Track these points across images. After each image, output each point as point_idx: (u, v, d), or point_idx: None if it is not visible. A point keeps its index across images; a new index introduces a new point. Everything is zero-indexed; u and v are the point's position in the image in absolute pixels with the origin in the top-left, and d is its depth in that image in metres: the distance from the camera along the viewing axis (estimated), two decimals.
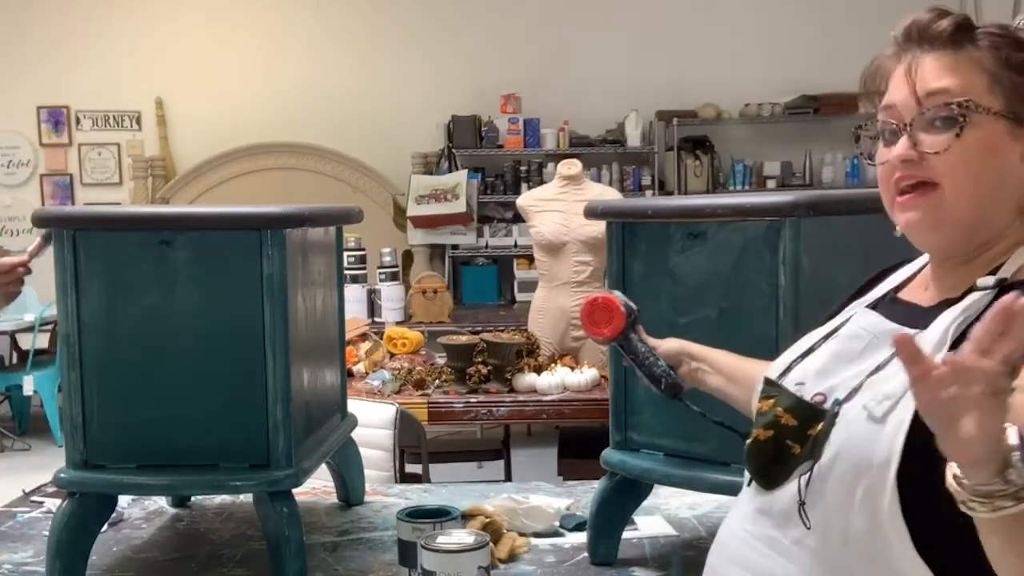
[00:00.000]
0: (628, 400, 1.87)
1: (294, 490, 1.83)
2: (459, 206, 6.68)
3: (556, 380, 3.62)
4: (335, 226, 2.20)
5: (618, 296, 1.54)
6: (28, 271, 1.92)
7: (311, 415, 1.98)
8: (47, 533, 1.85)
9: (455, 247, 6.98)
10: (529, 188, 6.20)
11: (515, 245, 6.96)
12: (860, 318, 1.15)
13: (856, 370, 1.06)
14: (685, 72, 7.14)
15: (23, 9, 7.31)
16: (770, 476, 1.11)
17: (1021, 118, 1.01)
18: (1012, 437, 0.76)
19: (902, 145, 1.03)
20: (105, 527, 1.99)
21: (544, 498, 2.13)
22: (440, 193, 6.74)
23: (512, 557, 1.89)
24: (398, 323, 5.17)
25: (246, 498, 2.26)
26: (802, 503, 1.03)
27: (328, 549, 2.01)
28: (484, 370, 3.58)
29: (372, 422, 3.02)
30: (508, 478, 4.41)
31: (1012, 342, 0.74)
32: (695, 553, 1.94)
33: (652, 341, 1.53)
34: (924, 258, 1.16)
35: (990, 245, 1.05)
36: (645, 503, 2.01)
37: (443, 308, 5.54)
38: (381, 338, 4.24)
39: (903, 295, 1.17)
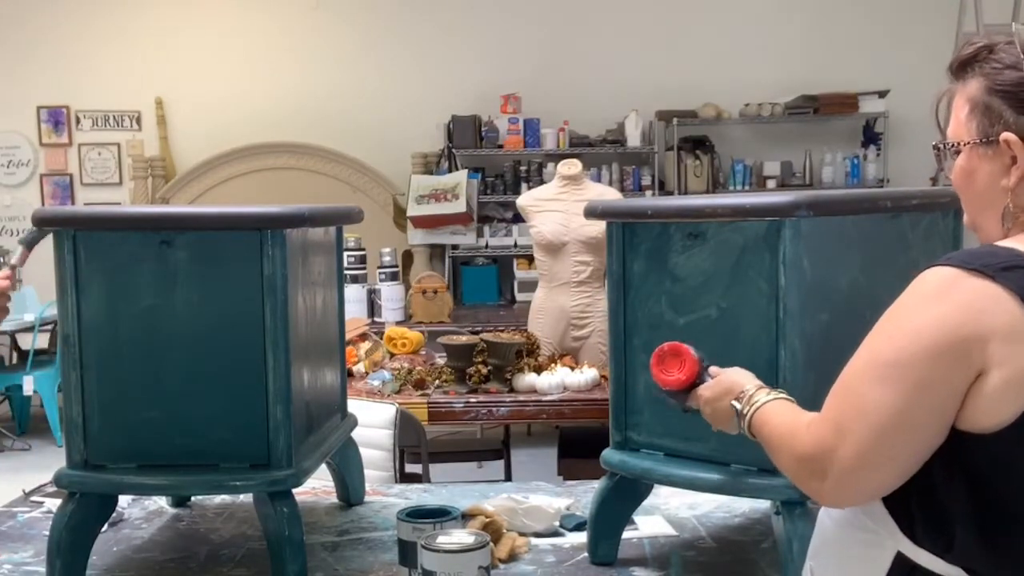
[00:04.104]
0: (628, 400, 1.87)
1: (294, 490, 1.83)
2: (459, 206, 6.68)
3: (556, 380, 3.62)
4: (335, 226, 2.20)
5: (687, 346, 1.51)
6: (14, 286, 1.85)
7: (311, 415, 1.98)
8: (47, 533, 1.85)
9: (455, 247, 6.97)
10: (529, 188, 6.20)
11: (515, 245, 6.95)
12: None
13: None
14: (685, 72, 7.14)
15: (23, 9, 7.30)
16: None
17: (991, 139, 1.12)
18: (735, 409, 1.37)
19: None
20: (105, 527, 1.99)
21: (544, 498, 2.13)
22: (440, 193, 6.74)
23: (512, 557, 1.89)
24: (398, 323, 5.17)
25: (246, 498, 2.26)
26: None
27: (328, 549, 2.01)
28: (484, 370, 3.58)
29: (372, 422, 3.02)
30: (508, 478, 4.40)
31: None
32: (695, 553, 1.94)
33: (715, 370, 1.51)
34: None
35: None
36: (645, 503, 2.01)
37: (443, 308, 5.54)
38: (381, 338, 4.23)
39: None
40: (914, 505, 1.09)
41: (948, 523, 1.06)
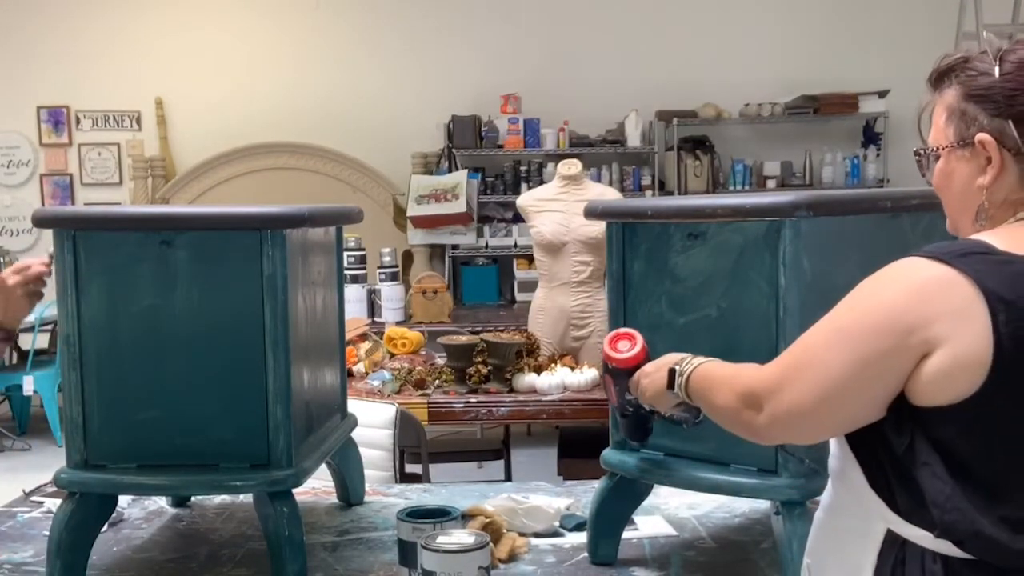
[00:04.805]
0: None
1: (294, 490, 1.83)
2: (459, 206, 6.68)
3: (556, 380, 3.61)
4: (335, 226, 2.20)
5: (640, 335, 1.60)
6: (50, 273, 1.89)
7: (311, 415, 1.98)
8: (47, 533, 1.85)
9: (455, 247, 6.97)
10: (529, 188, 6.20)
11: (515, 245, 6.95)
12: None
13: None
14: (685, 72, 7.13)
15: (24, 9, 7.30)
16: None
17: (968, 142, 1.19)
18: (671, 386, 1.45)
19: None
20: (105, 527, 1.99)
21: (544, 498, 2.13)
22: (440, 193, 6.73)
23: (512, 557, 1.89)
24: (398, 323, 5.17)
25: (246, 498, 2.26)
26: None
27: (328, 549, 2.01)
28: (484, 370, 3.58)
29: (372, 422, 3.02)
30: (508, 478, 4.40)
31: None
32: (695, 553, 1.94)
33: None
34: None
35: None
36: (645, 503, 2.01)
37: (443, 308, 5.54)
38: (381, 338, 4.23)
39: None
40: (894, 481, 1.14)
41: (925, 496, 1.10)
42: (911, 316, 1.09)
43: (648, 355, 1.57)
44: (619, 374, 1.59)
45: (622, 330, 1.62)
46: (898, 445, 1.13)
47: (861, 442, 1.18)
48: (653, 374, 1.50)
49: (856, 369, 1.12)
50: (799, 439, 1.26)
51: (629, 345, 1.58)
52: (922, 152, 1.27)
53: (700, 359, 1.42)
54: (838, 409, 1.15)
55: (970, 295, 1.07)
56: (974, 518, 1.07)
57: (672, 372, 1.43)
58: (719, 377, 1.34)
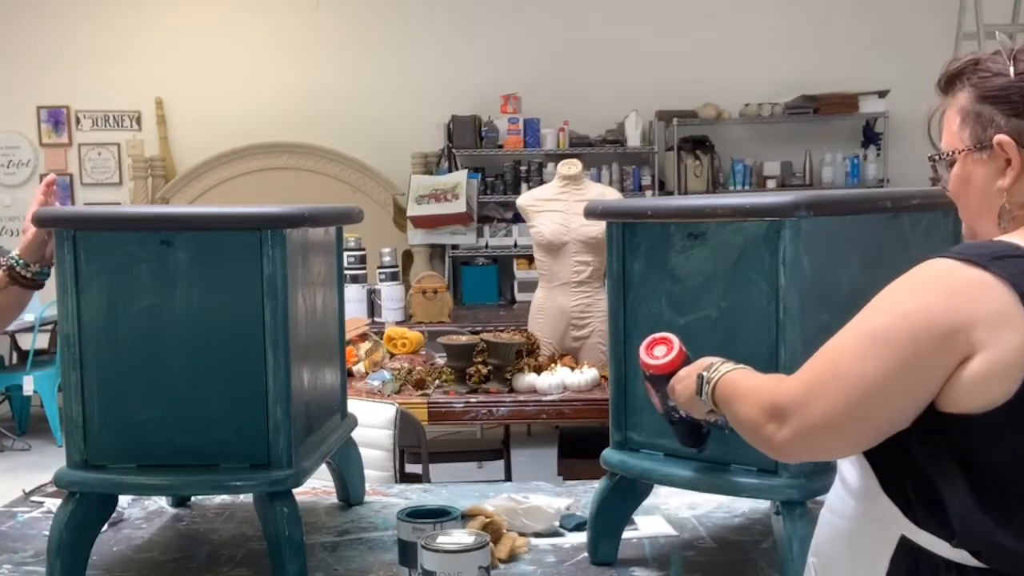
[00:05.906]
0: (628, 400, 1.87)
1: (294, 490, 1.83)
2: (459, 206, 6.68)
3: (556, 380, 3.62)
4: (335, 226, 2.20)
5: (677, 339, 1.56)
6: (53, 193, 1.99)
7: (311, 415, 1.98)
8: (47, 533, 1.85)
9: (455, 247, 6.97)
10: (529, 188, 6.20)
11: (515, 245, 6.95)
12: None
13: None
14: (685, 72, 7.14)
15: (24, 9, 7.31)
16: None
17: (985, 144, 1.17)
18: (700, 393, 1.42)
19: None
20: (105, 527, 1.99)
21: (544, 498, 2.13)
22: (440, 193, 6.74)
23: (512, 557, 1.89)
24: (398, 323, 5.17)
25: (246, 498, 2.26)
26: None
27: (328, 549, 2.01)
28: (484, 370, 3.58)
29: (372, 422, 3.02)
30: (508, 478, 4.41)
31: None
32: (695, 553, 1.94)
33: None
34: None
35: None
36: (645, 503, 2.01)
37: (443, 308, 5.54)
38: (381, 338, 4.24)
39: None
40: (911, 489, 1.12)
41: (945, 505, 1.09)
42: (954, 317, 1.06)
43: (687, 358, 1.51)
44: (657, 380, 1.54)
45: (659, 335, 1.56)
46: (918, 453, 1.10)
47: (876, 449, 1.15)
48: (685, 379, 1.46)
49: (894, 376, 1.08)
50: (821, 455, 1.20)
51: (665, 350, 1.53)
52: (937, 158, 1.23)
53: (729, 366, 1.38)
54: (871, 419, 1.11)
55: (1007, 299, 1.05)
56: (993, 529, 1.06)
57: (700, 378, 1.39)
58: (743, 388, 1.30)
